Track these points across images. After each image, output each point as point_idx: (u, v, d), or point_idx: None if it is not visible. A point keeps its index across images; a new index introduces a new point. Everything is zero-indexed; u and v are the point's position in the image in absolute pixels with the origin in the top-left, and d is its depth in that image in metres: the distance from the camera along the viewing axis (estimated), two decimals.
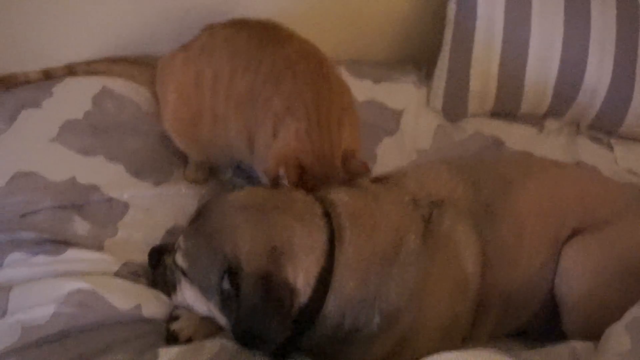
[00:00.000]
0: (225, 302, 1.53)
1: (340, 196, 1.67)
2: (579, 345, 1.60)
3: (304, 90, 1.82)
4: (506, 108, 2.54)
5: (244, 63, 1.90)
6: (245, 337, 1.54)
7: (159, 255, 1.76)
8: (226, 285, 1.51)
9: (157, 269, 1.75)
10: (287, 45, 1.93)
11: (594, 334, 1.63)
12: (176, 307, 1.71)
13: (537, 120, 2.56)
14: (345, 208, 1.64)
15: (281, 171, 1.72)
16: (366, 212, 1.65)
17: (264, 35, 1.97)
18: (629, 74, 2.44)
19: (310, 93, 1.82)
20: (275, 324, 1.50)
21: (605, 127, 2.53)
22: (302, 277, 1.52)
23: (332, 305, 1.56)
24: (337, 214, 1.62)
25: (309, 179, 1.74)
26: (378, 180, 1.86)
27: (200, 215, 1.64)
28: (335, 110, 1.83)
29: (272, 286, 1.49)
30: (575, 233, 1.79)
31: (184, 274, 1.62)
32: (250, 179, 2.11)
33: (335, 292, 1.56)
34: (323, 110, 1.80)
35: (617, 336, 1.57)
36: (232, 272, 1.50)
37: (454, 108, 2.50)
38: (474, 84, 2.47)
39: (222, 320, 1.59)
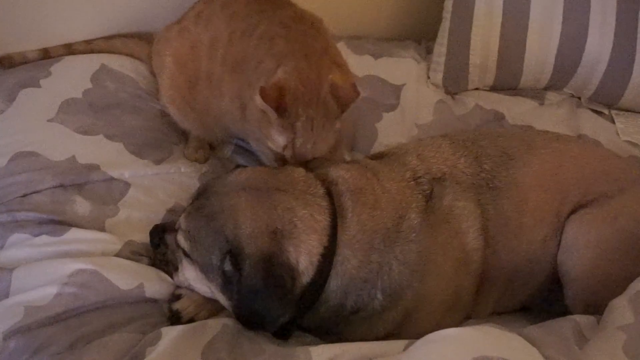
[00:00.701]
0: (227, 283, 1.54)
1: (341, 174, 1.67)
2: (581, 319, 1.61)
3: (295, 48, 1.80)
4: (507, 81, 2.53)
5: (242, 28, 1.89)
6: (247, 317, 1.55)
7: (160, 234, 1.76)
8: (228, 266, 1.52)
9: (159, 249, 1.75)
10: (284, 10, 1.92)
11: (596, 308, 1.65)
12: (178, 286, 1.71)
13: (537, 94, 2.54)
14: (347, 186, 1.64)
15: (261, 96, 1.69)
16: (367, 190, 1.65)
17: (263, 0, 1.96)
18: (630, 45, 2.42)
19: (301, 49, 1.80)
20: (276, 305, 1.50)
21: (606, 99, 2.52)
22: (304, 258, 1.53)
23: (334, 284, 1.57)
24: (338, 193, 1.63)
25: (292, 102, 1.71)
26: (379, 156, 1.85)
27: (201, 196, 1.64)
28: (327, 61, 1.81)
29: (274, 268, 1.50)
30: (578, 207, 1.79)
31: (186, 254, 1.63)
32: (251, 157, 2.10)
33: (337, 272, 1.56)
34: (312, 59, 1.78)
35: (620, 309, 1.57)
36: (234, 253, 1.51)
37: (454, 82, 2.49)
38: (474, 58, 2.45)
39: (223, 300, 1.59)
